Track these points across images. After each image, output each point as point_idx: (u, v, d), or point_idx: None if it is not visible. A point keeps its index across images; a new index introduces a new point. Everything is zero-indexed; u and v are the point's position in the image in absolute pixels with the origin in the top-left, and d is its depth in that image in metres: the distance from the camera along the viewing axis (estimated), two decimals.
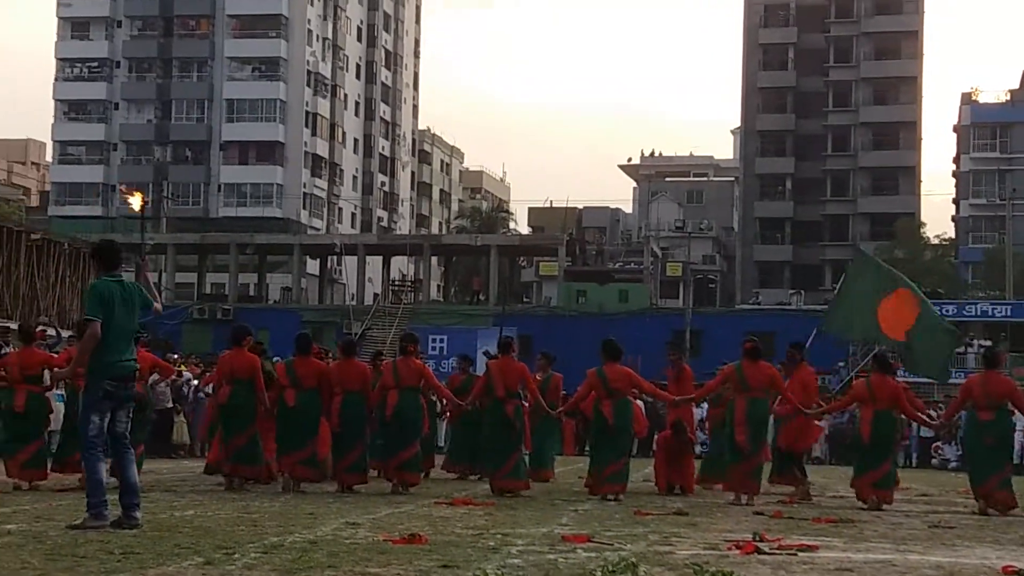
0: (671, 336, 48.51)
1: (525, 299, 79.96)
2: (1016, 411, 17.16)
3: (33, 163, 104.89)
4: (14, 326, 36.66)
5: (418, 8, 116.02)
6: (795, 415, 17.20)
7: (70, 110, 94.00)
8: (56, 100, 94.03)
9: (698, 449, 21.28)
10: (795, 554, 9.42)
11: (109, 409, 10.30)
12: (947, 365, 21.62)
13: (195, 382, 28.17)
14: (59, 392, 19.10)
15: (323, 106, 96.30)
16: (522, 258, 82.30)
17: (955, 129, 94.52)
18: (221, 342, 40.15)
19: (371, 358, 20.01)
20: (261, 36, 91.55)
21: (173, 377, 25.46)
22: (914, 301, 20.25)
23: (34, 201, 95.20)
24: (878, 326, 20.56)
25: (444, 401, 19.52)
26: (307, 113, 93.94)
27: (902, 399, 17.01)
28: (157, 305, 10.86)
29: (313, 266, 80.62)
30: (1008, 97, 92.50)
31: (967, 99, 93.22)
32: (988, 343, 53.16)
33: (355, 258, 77.97)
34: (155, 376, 17.92)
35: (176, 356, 30.57)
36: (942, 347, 21.16)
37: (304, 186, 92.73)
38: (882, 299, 20.52)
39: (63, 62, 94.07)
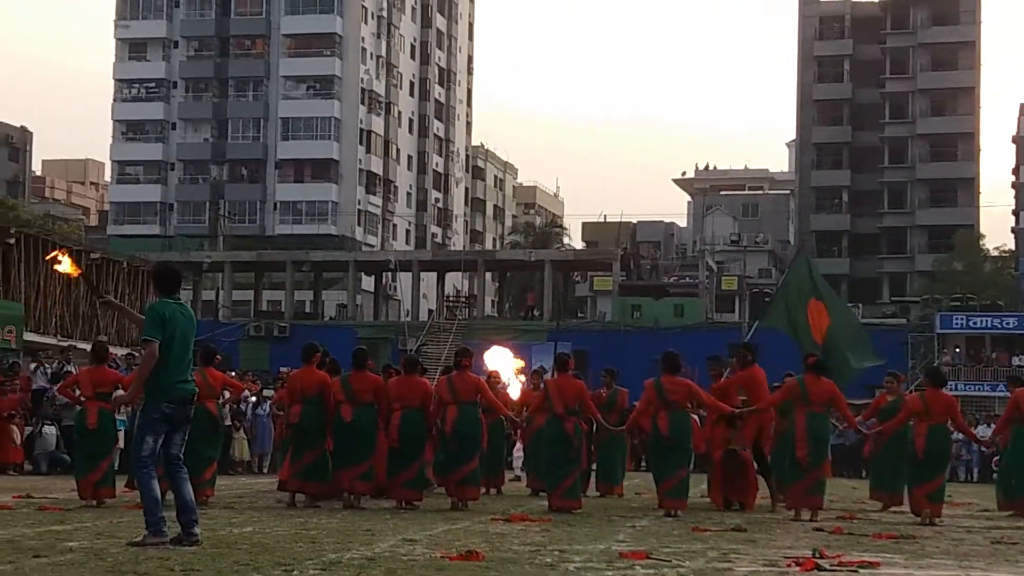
0: (727, 350, 48.24)
1: (579, 314, 79.93)
2: None
3: (92, 183, 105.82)
4: (80, 345, 37.03)
5: (471, 25, 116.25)
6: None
7: (128, 130, 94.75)
8: (114, 120, 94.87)
9: None
10: (856, 571, 9.38)
11: (164, 431, 10.34)
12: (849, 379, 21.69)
13: (252, 399, 28.32)
14: (121, 417, 19.33)
15: (377, 123, 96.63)
16: (576, 273, 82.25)
17: (1014, 140, 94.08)
18: (277, 359, 40.37)
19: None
20: (315, 55, 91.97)
21: (244, 394, 25.66)
22: (825, 313, 20.86)
23: (93, 220, 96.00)
24: (808, 329, 20.80)
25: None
26: (361, 131, 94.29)
27: (956, 413, 16.97)
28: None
29: (368, 283, 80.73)
30: None
31: None
32: None
33: (409, 274, 78.31)
34: (227, 394, 17.96)
35: (233, 373, 30.72)
36: (847, 363, 21.14)
37: (358, 203, 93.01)
38: (808, 302, 20.77)
39: (121, 83, 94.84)
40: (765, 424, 17.63)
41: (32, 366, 28.43)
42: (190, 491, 10.40)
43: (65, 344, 36.69)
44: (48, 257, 26.86)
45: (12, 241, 39.25)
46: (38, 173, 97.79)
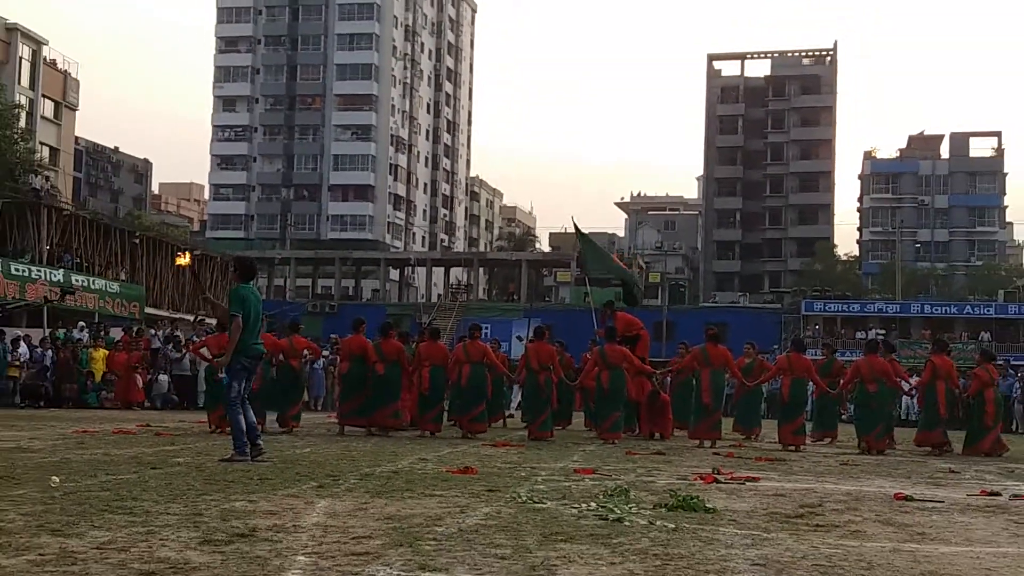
0: (652, 326, 48.27)
1: (546, 299, 79.85)
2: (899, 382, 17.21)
3: (195, 200, 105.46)
4: (186, 317, 37.03)
5: (470, 89, 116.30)
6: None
7: (222, 162, 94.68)
8: (212, 155, 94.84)
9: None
10: (743, 483, 9.43)
11: (245, 378, 10.46)
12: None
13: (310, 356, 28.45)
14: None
15: (402, 160, 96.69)
16: (544, 269, 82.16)
17: (859, 177, 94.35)
18: (328, 329, 40.19)
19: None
20: (358, 110, 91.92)
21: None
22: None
23: (196, 227, 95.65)
24: (620, 266, 21.12)
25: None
26: (390, 165, 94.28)
27: (812, 372, 17.07)
28: None
29: (394, 274, 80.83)
30: (898, 154, 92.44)
31: (868, 155, 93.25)
32: (883, 332, 52.82)
33: (424, 269, 78.48)
34: (306, 353, 17.95)
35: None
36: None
37: (388, 217, 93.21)
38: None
39: (217, 128, 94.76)
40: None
41: (151, 332, 28.39)
42: (253, 417, 10.49)
43: (175, 316, 36.67)
44: (179, 255, 26.94)
45: (137, 240, 39.19)
46: (156, 192, 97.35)
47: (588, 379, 16.86)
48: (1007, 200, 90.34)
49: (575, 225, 23.38)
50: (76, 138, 67.46)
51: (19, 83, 56.46)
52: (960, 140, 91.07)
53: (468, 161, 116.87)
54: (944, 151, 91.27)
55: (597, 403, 16.59)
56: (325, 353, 27.01)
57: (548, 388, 16.47)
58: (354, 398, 16.10)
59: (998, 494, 9.13)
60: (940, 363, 16.31)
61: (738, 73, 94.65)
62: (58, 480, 7.63)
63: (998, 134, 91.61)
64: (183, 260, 25.21)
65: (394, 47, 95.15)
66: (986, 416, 16.02)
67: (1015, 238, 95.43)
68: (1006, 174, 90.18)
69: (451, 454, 11.86)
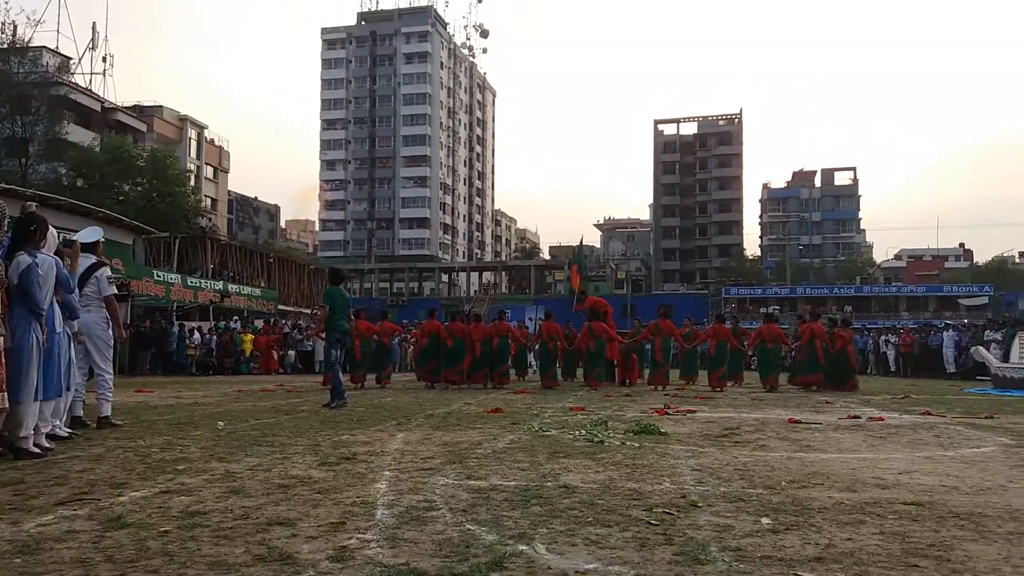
0: (620, 308, 48.04)
1: (548, 291, 79.45)
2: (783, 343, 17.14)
3: (310, 231, 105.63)
4: (305, 311, 37.11)
5: (493, 149, 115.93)
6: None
7: (326, 205, 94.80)
8: (320, 200, 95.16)
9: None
10: (685, 415, 9.40)
11: (340, 347, 10.62)
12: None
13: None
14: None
15: (447, 199, 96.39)
16: (546, 271, 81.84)
17: (760, 201, 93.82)
18: (402, 317, 40.07)
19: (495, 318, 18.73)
20: (417, 166, 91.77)
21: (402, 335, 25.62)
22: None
23: (310, 250, 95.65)
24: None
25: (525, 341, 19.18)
26: (440, 203, 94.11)
27: (729, 336, 17.03)
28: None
29: (444, 278, 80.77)
30: (786, 184, 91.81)
31: (765, 186, 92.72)
32: (777, 308, 52.51)
33: (465, 273, 78.52)
34: (395, 334, 18.17)
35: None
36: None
37: (439, 239, 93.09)
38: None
39: (324, 182, 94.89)
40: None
41: (283, 322, 28.52)
42: (340, 375, 10.52)
43: (298, 311, 36.79)
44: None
45: (271, 260, 39.31)
46: (283, 227, 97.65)
47: (580, 344, 16.73)
48: (861, 214, 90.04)
49: (581, 244, 24.52)
50: (229, 191, 67.79)
51: (189, 155, 56.92)
52: (828, 173, 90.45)
53: (493, 199, 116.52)
54: (817, 181, 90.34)
55: (586, 362, 16.51)
56: (408, 335, 26.90)
57: (555, 352, 16.53)
58: (429, 362, 16.11)
59: (859, 417, 9.09)
60: (816, 328, 16.27)
61: (675, 132, 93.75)
62: (222, 424, 7.69)
63: (854, 168, 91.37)
64: (215, 298, 25.36)
65: (440, 123, 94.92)
66: (849, 365, 15.95)
67: (867, 241, 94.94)
68: (860, 196, 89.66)
69: (486, 400, 11.85)
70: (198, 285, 27.78)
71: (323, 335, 12.01)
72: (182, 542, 3.17)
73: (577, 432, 7.03)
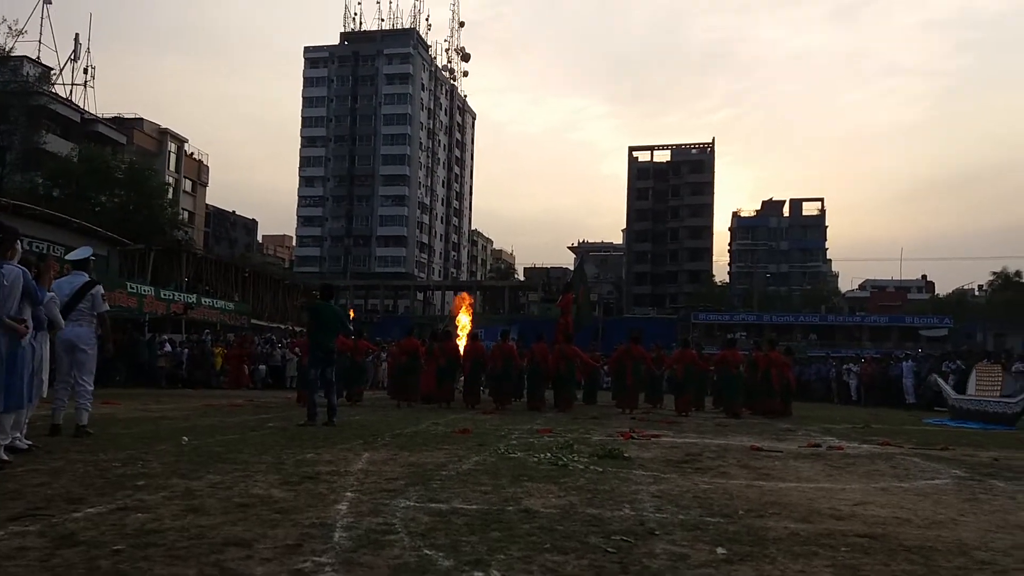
0: (590, 331, 48.07)
1: (521, 311, 79.41)
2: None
3: (287, 246, 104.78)
4: (279, 326, 36.73)
5: (471, 170, 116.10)
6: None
7: (304, 221, 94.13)
8: (298, 216, 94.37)
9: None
10: (650, 439, 9.39)
11: (320, 366, 10.29)
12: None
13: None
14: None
15: (425, 219, 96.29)
16: (520, 292, 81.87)
17: (729, 229, 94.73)
18: (375, 334, 39.78)
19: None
20: (395, 184, 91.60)
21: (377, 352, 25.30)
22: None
23: (287, 265, 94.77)
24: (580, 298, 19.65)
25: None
26: (418, 222, 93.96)
27: (695, 361, 17.08)
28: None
29: (419, 296, 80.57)
30: (755, 213, 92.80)
31: (735, 214, 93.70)
32: (743, 334, 52.91)
33: (440, 292, 78.42)
34: (368, 353, 18.08)
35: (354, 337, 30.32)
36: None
37: (416, 257, 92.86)
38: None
39: (301, 197, 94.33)
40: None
41: (255, 336, 28.18)
42: (335, 399, 10.35)
43: (271, 325, 36.44)
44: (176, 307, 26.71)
45: (246, 274, 38.95)
46: (260, 241, 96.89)
47: (551, 368, 16.55)
48: (827, 244, 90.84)
49: (580, 264, 24.28)
50: (207, 205, 67.23)
51: (168, 168, 56.45)
52: (796, 204, 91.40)
53: (470, 219, 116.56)
54: (786, 211, 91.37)
55: (555, 385, 16.36)
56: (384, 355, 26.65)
57: (545, 374, 16.05)
58: (404, 379, 15.84)
59: (819, 445, 9.14)
60: (773, 356, 16.39)
61: (649, 159, 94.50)
62: (187, 439, 7.56)
63: (822, 199, 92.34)
64: (179, 309, 24.80)
65: (420, 143, 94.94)
66: (772, 389, 16.05)
67: (833, 270, 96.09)
68: (827, 227, 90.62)
69: (455, 420, 11.75)
70: (171, 297, 27.41)
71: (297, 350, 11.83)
72: (134, 561, 3.09)
73: (542, 455, 6.99)
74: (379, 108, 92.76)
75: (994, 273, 73.37)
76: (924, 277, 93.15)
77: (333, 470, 5.67)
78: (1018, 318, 59.08)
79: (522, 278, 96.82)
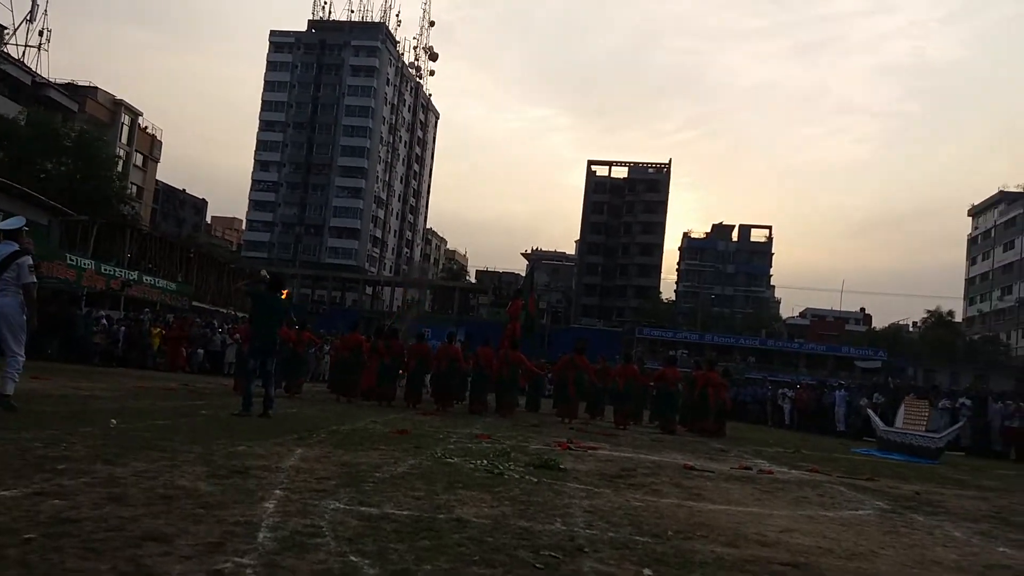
0: (538, 338, 48.17)
1: (471, 313, 79.13)
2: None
3: (236, 230, 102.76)
4: (221, 309, 35.97)
5: (431, 169, 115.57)
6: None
7: (256, 206, 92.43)
8: (250, 200, 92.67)
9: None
10: (587, 451, 9.41)
11: (259, 356, 10.08)
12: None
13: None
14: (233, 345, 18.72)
15: (380, 213, 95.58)
16: (471, 294, 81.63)
17: (679, 249, 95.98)
18: (321, 326, 39.15)
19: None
20: (352, 176, 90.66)
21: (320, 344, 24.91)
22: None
23: (235, 248, 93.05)
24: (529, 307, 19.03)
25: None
26: (372, 216, 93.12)
27: (637, 375, 17.27)
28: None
29: (369, 290, 79.82)
30: (705, 236, 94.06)
31: (686, 235, 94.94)
32: (684, 352, 53.58)
33: (390, 288, 77.91)
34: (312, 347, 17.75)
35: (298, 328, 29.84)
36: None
37: (368, 251, 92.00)
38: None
39: (255, 181, 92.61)
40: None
41: (196, 318, 27.54)
42: (272, 390, 10.15)
43: (213, 308, 35.69)
44: (115, 282, 25.99)
45: (191, 255, 38.10)
46: (209, 222, 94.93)
47: (495, 370, 16.49)
48: (772, 271, 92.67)
49: (531, 271, 23.96)
50: (157, 181, 65.62)
51: (120, 140, 55.01)
52: (745, 229, 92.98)
53: (426, 217, 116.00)
54: (735, 235, 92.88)
55: (498, 389, 16.38)
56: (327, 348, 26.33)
57: (489, 377, 15.96)
58: (346, 376, 15.56)
59: (750, 468, 9.27)
60: (711, 376, 16.63)
61: (607, 174, 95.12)
62: (115, 422, 7.32)
63: (769, 227, 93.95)
64: (117, 285, 24.03)
65: (381, 137, 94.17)
66: (708, 407, 16.27)
67: (776, 296, 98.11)
68: (773, 254, 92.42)
69: (394, 419, 11.63)
70: (112, 273, 26.64)
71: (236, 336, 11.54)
72: (45, 552, 2.96)
73: (479, 461, 6.95)
74: (342, 99, 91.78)
75: (928, 311, 76.31)
76: (863, 310, 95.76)
77: (264, 465, 5.54)
78: (947, 356, 61.20)
79: (473, 280, 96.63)
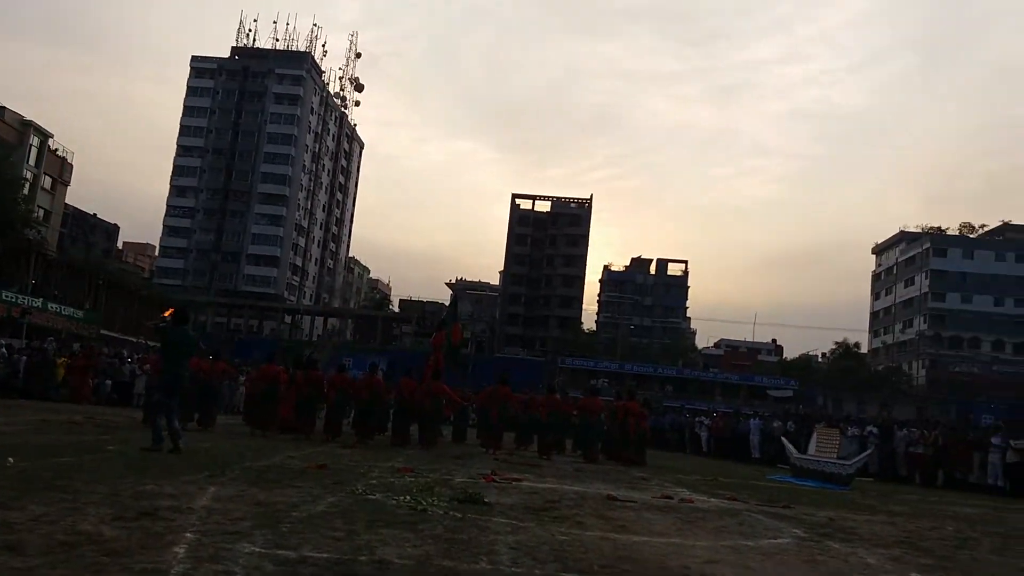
0: (462, 367, 47.88)
1: (394, 343, 78.05)
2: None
3: (148, 256, 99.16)
4: (130, 339, 34.50)
5: (354, 198, 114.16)
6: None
7: (171, 232, 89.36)
8: (165, 224, 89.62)
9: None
10: (511, 483, 9.32)
11: (167, 391, 9.63)
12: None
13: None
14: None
15: (301, 241, 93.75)
16: (394, 324, 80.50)
17: (600, 281, 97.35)
18: (236, 355, 37.97)
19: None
20: (273, 203, 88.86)
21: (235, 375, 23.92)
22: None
23: (147, 275, 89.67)
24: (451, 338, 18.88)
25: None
26: (293, 244, 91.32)
27: (559, 405, 17.30)
28: None
29: (288, 319, 78.00)
30: (625, 268, 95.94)
31: (606, 268, 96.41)
32: (605, 381, 54.07)
33: (310, 317, 76.54)
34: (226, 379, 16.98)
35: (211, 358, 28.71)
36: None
37: (288, 279, 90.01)
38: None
39: (170, 207, 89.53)
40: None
41: (103, 348, 26.34)
42: (177, 423, 9.65)
43: (122, 338, 34.24)
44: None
45: (100, 282, 36.55)
46: (120, 248, 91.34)
47: (418, 404, 16.21)
48: (688, 303, 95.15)
49: (455, 300, 23.36)
50: (66, 205, 62.83)
51: (28, 162, 52.53)
52: (663, 263, 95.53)
53: (348, 246, 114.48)
54: (652, 269, 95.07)
55: (421, 421, 16.04)
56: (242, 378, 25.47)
57: (413, 410, 15.66)
58: (262, 407, 14.93)
59: (671, 497, 9.34)
60: (630, 406, 16.85)
61: (531, 207, 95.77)
62: (11, 461, 6.85)
63: (686, 261, 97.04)
64: (17, 313, 23.30)
65: (304, 165, 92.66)
66: (628, 438, 16.42)
67: (691, 327, 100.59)
68: (688, 287, 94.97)
69: (311, 454, 11.28)
70: (13, 300, 25.29)
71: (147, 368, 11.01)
72: None
73: (402, 498, 6.77)
74: (264, 126, 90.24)
75: (836, 343, 79.65)
76: (774, 341, 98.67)
77: (174, 506, 5.25)
78: (854, 385, 63.68)
79: (397, 309, 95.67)
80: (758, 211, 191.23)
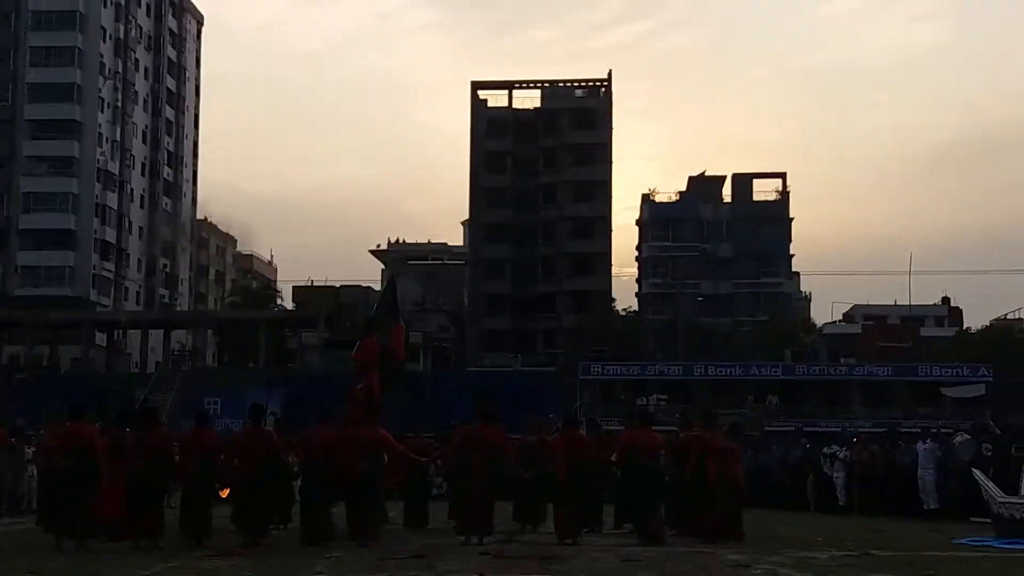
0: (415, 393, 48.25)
1: (290, 364, 77.97)
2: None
3: None
4: None
5: (196, 116, 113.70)
6: None
7: None
8: None
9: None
10: None
11: None
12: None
13: None
14: None
15: (112, 199, 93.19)
16: (288, 330, 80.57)
17: (637, 223, 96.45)
18: (17, 410, 37.97)
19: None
20: (56, 138, 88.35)
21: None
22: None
23: None
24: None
25: None
26: (97, 205, 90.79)
27: (592, 449, 17.30)
28: None
29: (101, 339, 77.83)
30: (678, 197, 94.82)
31: (646, 198, 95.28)
32: (663, 399, 54.21)
33: (139, 332, 76.43)
34: None
35: None
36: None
37: (94, 268, 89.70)
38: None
39: None
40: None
41: None
42: None
43: None
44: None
45: None
46: None
47: (341, 469, 15.96)
48: (793, 248, 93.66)
49: (392, 282, 23.38)
50: None
51: None
52: (743, 182, 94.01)
53: (194, 200, 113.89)
54: (726, 194, 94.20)
55: (347, 497, 15.83)
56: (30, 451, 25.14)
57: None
58: (68, 498, 14.86)
59: None
60: (710, 438, 16.53)
61: (506, 104, 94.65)
62: None
63: (783, 175, 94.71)
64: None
65: (101, 63, 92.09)
66: (708, 496, 16.12)
67: (802, 290, 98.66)
68: (791, 219, 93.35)
69: (167, 570, 11.23)
70: None
71: None
72: None
73: None
74: (24, 2, 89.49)
75: None
76: (946, 301, 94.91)
77: None
78: None
79: (289, 304, 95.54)
80: (913, 76, 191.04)
